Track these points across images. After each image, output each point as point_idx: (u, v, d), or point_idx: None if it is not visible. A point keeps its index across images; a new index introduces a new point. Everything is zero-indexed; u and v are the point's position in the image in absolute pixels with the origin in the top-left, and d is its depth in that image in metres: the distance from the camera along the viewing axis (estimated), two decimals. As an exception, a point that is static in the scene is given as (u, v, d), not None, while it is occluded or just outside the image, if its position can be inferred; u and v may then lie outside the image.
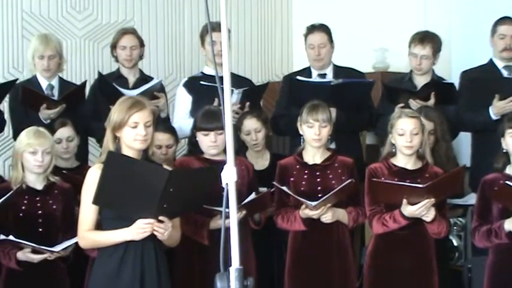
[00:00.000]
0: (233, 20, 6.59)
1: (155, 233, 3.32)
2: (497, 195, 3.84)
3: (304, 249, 4.15)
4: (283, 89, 5.19)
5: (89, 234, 3.42)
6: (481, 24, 5.28)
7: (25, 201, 3.91)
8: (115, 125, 3.42)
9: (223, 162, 2.33)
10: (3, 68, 5.75)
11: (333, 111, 4.53)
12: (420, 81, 4.89)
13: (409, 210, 3.88)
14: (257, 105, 5.08)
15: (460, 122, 4.87)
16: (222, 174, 2.29)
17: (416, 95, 4.76)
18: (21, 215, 3.89)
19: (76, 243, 3.59)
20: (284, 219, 4.14)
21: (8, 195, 3.73)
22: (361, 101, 4.90)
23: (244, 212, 3.86)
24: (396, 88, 4.95)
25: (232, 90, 4.50)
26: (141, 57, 5.15)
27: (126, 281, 3.36)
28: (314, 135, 4.11)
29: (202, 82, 4.87)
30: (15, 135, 4.25)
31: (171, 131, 4.59)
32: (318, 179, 4.15)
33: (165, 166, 3.58)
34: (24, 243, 3.73)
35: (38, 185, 3.97)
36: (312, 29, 5.09)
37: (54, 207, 3.95)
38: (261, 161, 4.67)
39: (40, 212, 3.92)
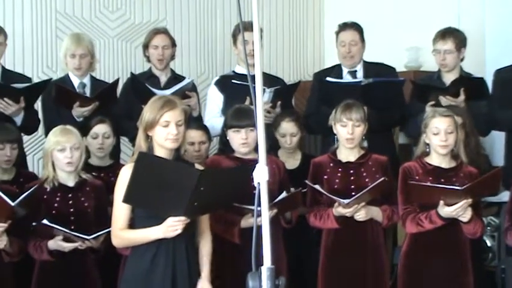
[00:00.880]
0: (265, 19, 6.59)
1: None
2: None
3: (338, 247, 4.14)
4: (313, 87, 5.18)
5: (122, 233, 3.44)
6: (515, 22, 5.24)
7: (57, 199, 3.95)
8: (147, 124, 3.44)
9: (254, 161, 2.33)
10: (37, 68, 5.81)
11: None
12: (449, 78, 4.85)
13: (446, 211, 3.85)
14: (289, 105, 5.07)
15: (493, 121, 4.82)
16: (254, 173, 2.28)
17: (446, 92, 4.71)
18: (53, 212, 3.92)
19: (108, 233, 3.61)
20: (317, 217, 4.13)
21: (28, 191, 3.74)
22: (392, 100, 4.87)
23: (275, 210, 3.86)
24: (425, 86, 4.91)
25: (264, 89, 4.51)
26: (172, 57, 5.17)
27: (158, 279, 3.37)
28: (347, 134, 4.10)
29: (234, 81, 4.88)
30: (47, 134, 4.29)
31: (204, 128, 4.61)
32: (352, 177, 4.14)
33: (197, 165, 3.59)
34: (58, 228, 3.76)
35: (70, 182, 4.00)
36: (343, 26, 5.08)
37: (86, 204, 3.99)
38: (292, 161, 4.66)
39: (72, 209, 3.95)
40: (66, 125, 4.09)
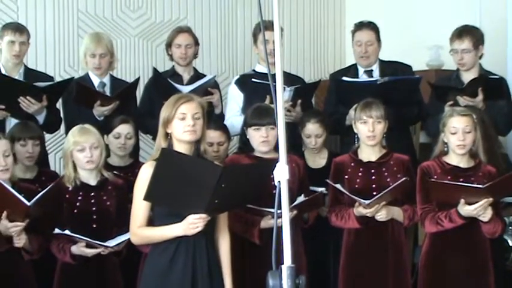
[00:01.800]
0: (286, 18, 6.59)
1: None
2: None
3: (359, 247, 4.13)
4: (330, 88, 5.17)
5: (141, 230, 3.45)
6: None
7: (79, 198, 3.96)
8: (164, 120, 3.46)
9: (274, 160, 2.33)
10: (59, 67, 5.85)
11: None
12: (467, 77, 4.81)
13: (466, 210, 3.83)
14: (309, 104, 5.07)
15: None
16: (274, 172, 2.28)
17: (463, 92, 4.68)
18: (75, 211, 3.94)
19: (129, 238, 3.63)
20: (338, 217, 4.13)
21: (44, 191, 3.76)
22: (409, 97, 4.85)
23: (295, 212, 3.86)
24: (442, 86, 4.89)
25: (284, 88, 4.51)
26: (195, 55, 5.19)
27: (178, 277, 3.37)
28: (368, 131, 4.08)
29: (254, 79, 4.88)
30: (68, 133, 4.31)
31: (223, 128, 4.61)
32: (373, 177, 4.13)
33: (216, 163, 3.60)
34: (79, 238, 3.78)
35: (92, 180, 4.01)
36: (360, 26, 5.06)
37: (108, 203, 3.99)
38: (318, 160, 4.66)
39: (94, 208, 3.96)
40: (85, 124, 4.10)
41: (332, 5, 6.89)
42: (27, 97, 4.57)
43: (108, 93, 4.88)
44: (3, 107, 4.60)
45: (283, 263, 2.19)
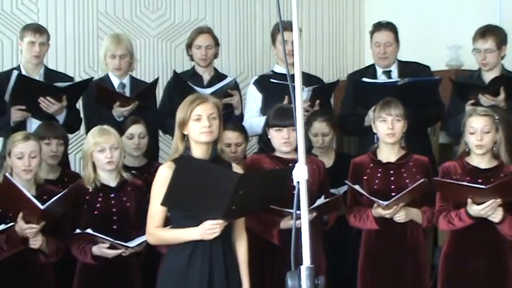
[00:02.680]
0: (304, 19, 6.59)
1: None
2: None
3: (377, 248, 4.12)
4: (348, 88, 5.16)
5: (157, 231, 3.46)
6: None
7: (100, 199, 3.96)
8: (180, 122, 3.46)
9: (295, 161, 2.33)
10: (79, 68, 5.87)
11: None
12: (489, 77, 4.78)
13: (474, 209, 3.82)
14: (327, 104, 5.06)
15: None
16: (294, 172, 2.28)
17: (485, 90, 4.66)
18: (96, 213, 3.94)
19: (146, 239, 3.64)
20: (357, 218, 4.12)
21: (60, 194, 3.77)
22: (428, 98, 4.83)
23: (315, 214, 3.85)
24: (464, 84, 4.86)
25: (302, 88, 4.50)
26: (216, 56, 5.19)
27: (194, 280, 3.37)
28: (387, 129, 4.07)
29: (272, 80, 4.88)
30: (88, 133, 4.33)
31: (241, 129, 4.61)
32: (392, 178, 4.12)
33: (234, 165, 3.60)
34: (102, 237, 3.79)
35: (112, 182, 4.02)
36: (378, 26, 5.04)
37: (128, 204, 4.00)
38: (326, 159, 4.64)
39: (114, 209, 3.97)
40: (104, 125, 4.11)
41: (351, 5, 6.88)
42: (47, 97, 4.59)
43: (127, 94, 4.89)
44: (23, 107, 4.63)
45: (302, 264, 2.19)
